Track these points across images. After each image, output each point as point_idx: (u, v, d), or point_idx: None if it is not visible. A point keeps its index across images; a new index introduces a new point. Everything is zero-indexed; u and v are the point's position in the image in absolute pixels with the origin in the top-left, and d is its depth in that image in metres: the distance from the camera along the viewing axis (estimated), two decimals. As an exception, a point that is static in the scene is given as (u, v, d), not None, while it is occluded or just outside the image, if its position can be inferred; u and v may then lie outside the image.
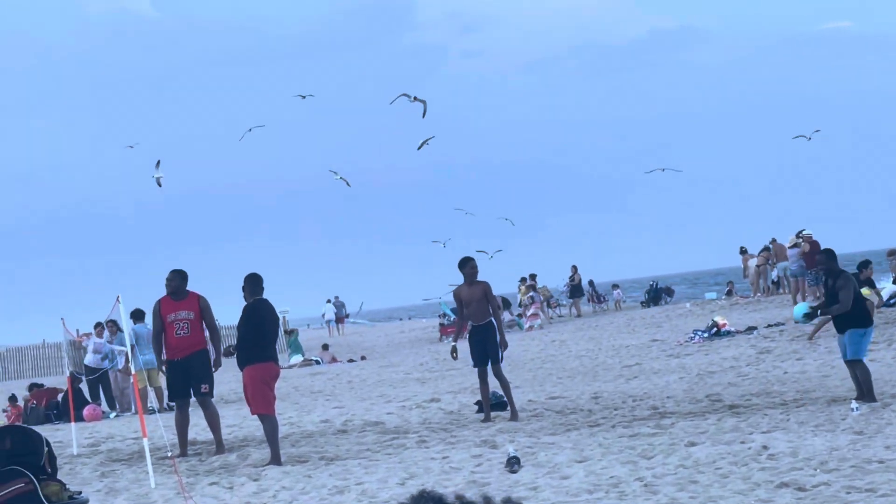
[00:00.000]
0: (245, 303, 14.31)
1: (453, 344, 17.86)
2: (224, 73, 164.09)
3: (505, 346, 16.98)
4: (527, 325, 42.21)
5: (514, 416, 16.53)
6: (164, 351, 15.56)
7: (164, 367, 15.78)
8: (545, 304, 46.51)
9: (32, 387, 27.12)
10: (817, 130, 32.26)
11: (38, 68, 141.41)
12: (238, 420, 18.05)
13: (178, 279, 15.52)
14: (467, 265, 16.99)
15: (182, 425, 15.70)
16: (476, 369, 16.99)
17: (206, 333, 15.51)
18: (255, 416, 14.55)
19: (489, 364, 16.72)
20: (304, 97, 33.89)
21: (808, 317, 16.35)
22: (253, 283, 14.22)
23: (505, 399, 17.15)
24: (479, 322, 16.85)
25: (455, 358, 17.88)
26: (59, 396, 25.33)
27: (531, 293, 45.43)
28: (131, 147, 35.01)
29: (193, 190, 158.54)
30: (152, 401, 23.87)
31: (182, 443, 15.67)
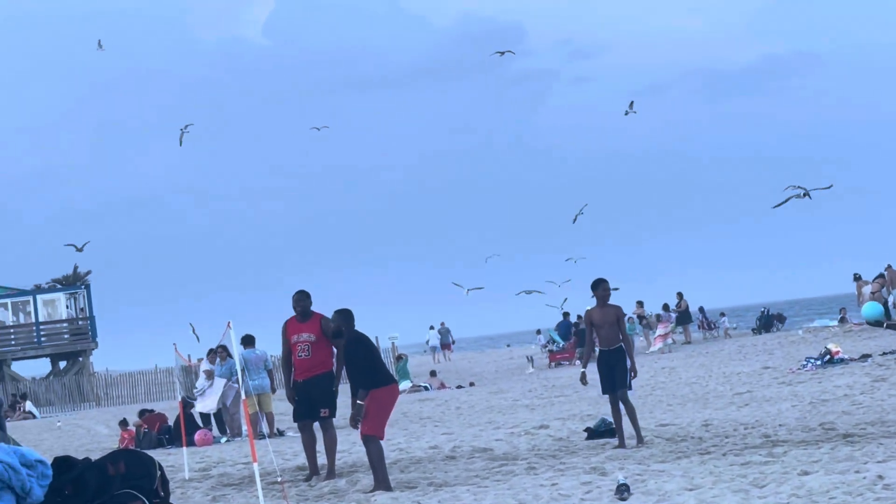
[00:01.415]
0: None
1: (583, 370, 17.43)
2: (334, 101, 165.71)
3: (635, 373, 16.78)
4: (657, 347, 42.43)
5: (639, 441, 16.34)
6: (293, 372, 15.65)
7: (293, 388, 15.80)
8: (649, 331, 46.49)
9: (143, 412, 27.50)
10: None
11: (153, 97, 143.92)
12: (347, 445, 18.12)
13: (304, 300, 15.64)
14: (600, 287, 16.62)
15: (308, 445, 15.81)
16: (606, 396, 16.79)
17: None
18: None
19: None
20: (502, 53, 33.86)
21: (876, 323, 15.67)
22: (348, 318, 14.24)
23: (614, 426, 16.99)
24: (608, 347, 16.57)
25: (585, 384, 17.65)
26: (171, 421, 25.66)
27: (659, 313, 45.49)
28: (320, 128, 35.33)
29: (303, 215, 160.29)
30: (263, 426, 24.09)
31: (310, 462, 15.79)
